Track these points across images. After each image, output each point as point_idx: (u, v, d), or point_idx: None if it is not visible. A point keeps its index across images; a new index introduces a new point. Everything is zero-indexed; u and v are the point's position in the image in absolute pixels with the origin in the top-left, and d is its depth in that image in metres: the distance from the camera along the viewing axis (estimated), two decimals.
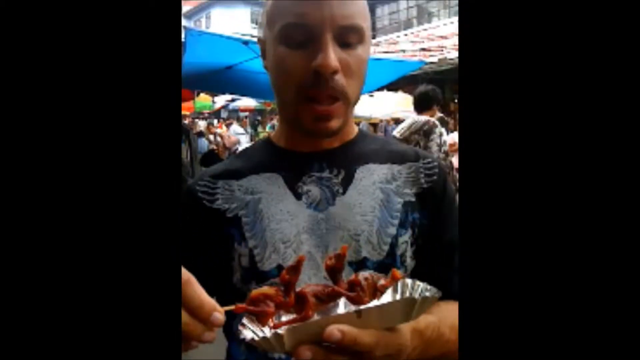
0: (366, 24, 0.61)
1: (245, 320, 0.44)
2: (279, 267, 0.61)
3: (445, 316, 0.57)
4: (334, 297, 0.45)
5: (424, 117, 2.99)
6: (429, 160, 0.70)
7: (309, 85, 0.58)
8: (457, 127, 7.51)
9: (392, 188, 0.66)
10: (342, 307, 0.47)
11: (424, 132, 2.91)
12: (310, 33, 0.57)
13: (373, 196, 0.65)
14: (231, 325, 0.65)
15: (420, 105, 3.11)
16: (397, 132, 3.17)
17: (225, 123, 9.51)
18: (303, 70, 0.58)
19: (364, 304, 0.43)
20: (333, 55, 0.57)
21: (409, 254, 0.65)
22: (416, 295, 0.43)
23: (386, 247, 0.63)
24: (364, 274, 0.46)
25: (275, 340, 0.40)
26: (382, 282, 0.45)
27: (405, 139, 2.94)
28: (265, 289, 0.44)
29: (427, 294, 0.43)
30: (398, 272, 0.45)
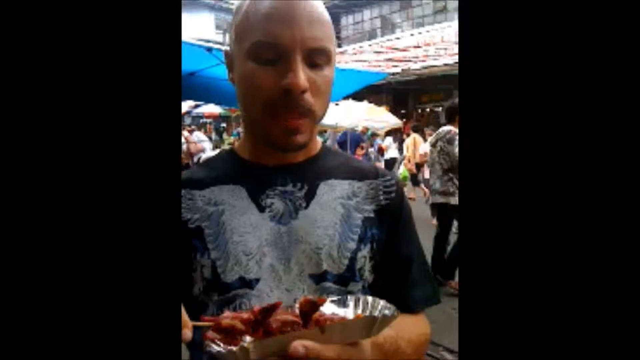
0: (333, 47, 0.63)
1: (211, 334, 0.45)
2: (241, 279, 0.62)
3: (402, 330, 0.59)
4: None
5: (447, 127, 3.63)
6: (388, 178, 0.73)
7: (277, 103, 0.59)
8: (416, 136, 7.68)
9: (353, 204, 0.68)
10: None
11: (447, 140, 3.52)
12: (280, 52, 0.59)
13: (334, 211, 0.66)
14: (193, 335, 0.64)
15: (448, 117, 3.71)
16: (428, 141, 4.05)
17: (188, 130, 9.32)
18: (272, 88, 0.59)
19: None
20: (302, 75, 0.58)
21: (367, 268, 0.67)
22: (376, 314, 0.46)
23: (346, 261, 0.64)
24: (329, 316, 0.47)
25: (241, 353, 0.41)
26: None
27: (433, 145, 3.68)
28: (236, 323, 0.45)
29: (387, 312, 0.46)
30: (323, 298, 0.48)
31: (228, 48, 0.68)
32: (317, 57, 0.60)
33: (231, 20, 0.67)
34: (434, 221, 6.22)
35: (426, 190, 7.91)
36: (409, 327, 0.63)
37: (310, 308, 0.46)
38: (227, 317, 0.47)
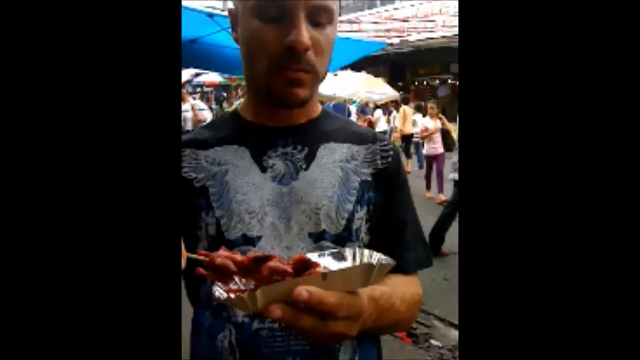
0: (335, 6, 0.64)
1: (203, 270, 0.48)
2: (244, 236, 0.64)
3: (396, 288, 0.62)
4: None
5: None
6: (385, 143, 0.75)
7: (282, 60, 0.61)
8: (417, 111, 7.70)
9: (351, 167, 0.70)
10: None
11: None
12: (284, 10, 0.59)
13: (333, 174, 0.69)
14: (198, 293, 0.70)
15: None
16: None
17: (194, 98, 9.33)
18: (276, 45, 0.60)
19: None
20: (306, 33, 0.59)
21: (363, 229, 0.70)
22: (374, 262, 0.48)
23: (343, 222, 0.67)
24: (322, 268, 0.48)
25: (249, 299, 0.43)
26: None
27: None
28: (229, 264, 0.47)
29: (384, 262, 0.47)
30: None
31: (232, 5, 0.69)
32: (320, 16, 0.61)
33: None
34: (427, 194, 6.38)
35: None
36: (403, 287, 0.66)
37: (302, 267, 0.47)
38: (221, 255, 0.47)
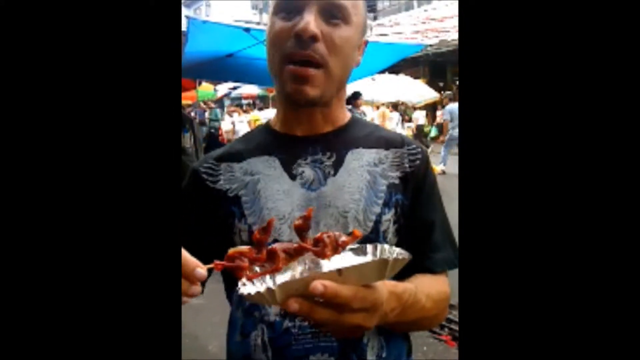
0: (351, 6, 0.67)
1: (243, 279, 0.50)
2: (275, 242, 0.65)
3: (422, 285, 0.64)
4: (300, 252, 0.49)
5: None
6: (413, 146, 0.76)
7: (291, 51, 0.64)
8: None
9: (379, 171, 0.72)
10: (325, 266, 0.51)
11: None
12: (298, 6, 0.64)
13: (361, 178, 0.71)
14: (232, 294, 0.74)
15: None
16: None
17: (227, 112, 9.59)
18: (286, 36, 0.64)
19: (327, 257, 0.49)
20: (313, 22, 0.62)
21: (391, 230, 0.71)
22: (387, 256, 0.49)
23: (371, 224, 0.69)
24: (327, 232, 0.51)
25: (268, 294, 0.45)
26: (343, 238, 0.50)
27: None
28: (240, 248, 0.49)
29: (400, 257, 0.48)
30: (357, 231, 0.50)
31: (264, 27, 0.76)
32: (334, 12, 0.65)
33: None
34: None
35: None
36: (429, 284, 0.67)
37: (303, 223, 0.49)
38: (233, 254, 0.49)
